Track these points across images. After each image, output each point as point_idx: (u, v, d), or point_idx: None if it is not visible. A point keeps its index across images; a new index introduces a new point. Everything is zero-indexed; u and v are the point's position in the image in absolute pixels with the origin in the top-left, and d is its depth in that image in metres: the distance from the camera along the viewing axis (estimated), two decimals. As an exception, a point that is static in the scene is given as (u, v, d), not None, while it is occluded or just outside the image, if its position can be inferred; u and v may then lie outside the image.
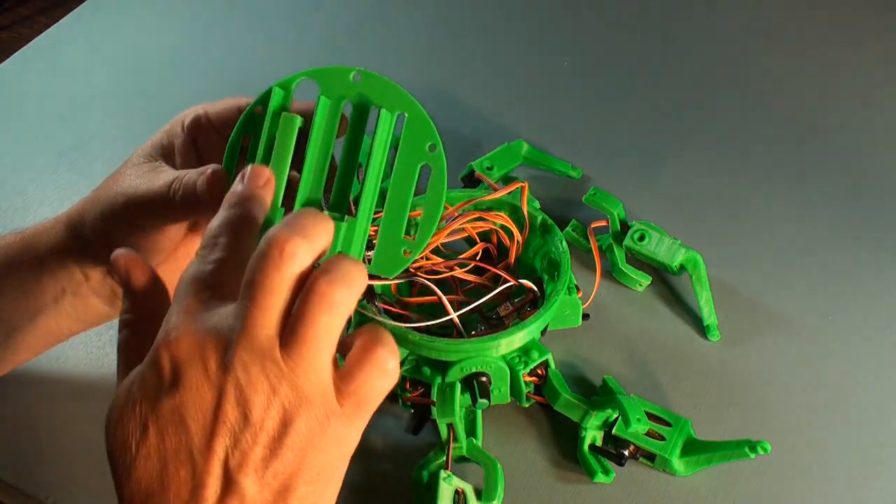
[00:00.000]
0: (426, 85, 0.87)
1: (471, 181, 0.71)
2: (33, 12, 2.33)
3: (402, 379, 0.58)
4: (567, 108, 0.85)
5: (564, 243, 0.62)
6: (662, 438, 0.56)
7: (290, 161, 0.45)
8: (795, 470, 0.58)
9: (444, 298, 0.59)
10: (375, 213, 0.46)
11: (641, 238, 0.66)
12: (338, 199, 0.47)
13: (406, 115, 0.45)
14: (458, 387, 0.57)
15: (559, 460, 0.58)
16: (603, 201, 0.68)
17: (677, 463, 0.56)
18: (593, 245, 0.68)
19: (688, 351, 0.64)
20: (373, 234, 0.46)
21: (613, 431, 0.56)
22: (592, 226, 0.68)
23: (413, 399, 0.59)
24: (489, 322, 0.60)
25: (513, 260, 0.64)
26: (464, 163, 0.72)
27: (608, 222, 0.68)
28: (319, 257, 0.39)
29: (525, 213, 0.64)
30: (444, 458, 0.56)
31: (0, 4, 2.35)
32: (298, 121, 0.45)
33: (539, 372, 0.59)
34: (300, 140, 0.46)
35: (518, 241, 0.64)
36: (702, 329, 0.65)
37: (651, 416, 0.57)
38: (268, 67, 0.91)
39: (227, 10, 1.00)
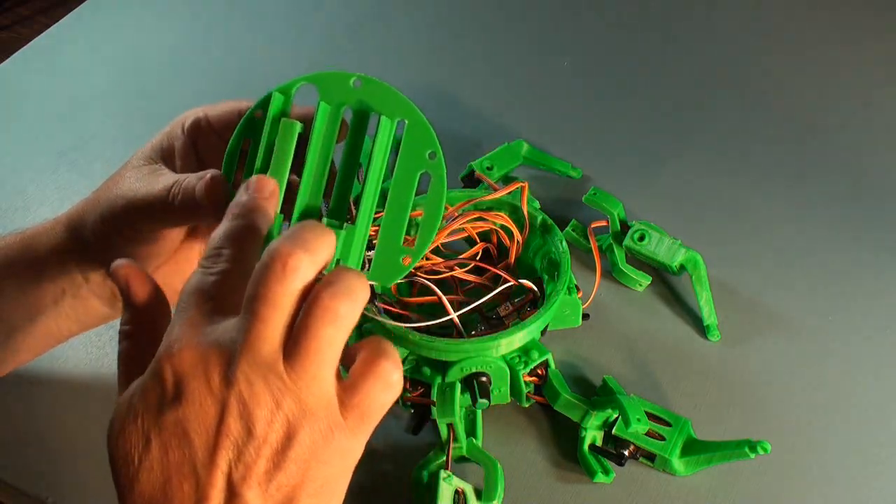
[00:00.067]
0: (426, 85, 0.87)
1: (471, 181, 0.71)
2: (33, 12, 2.33)
3: (402, 379, 0.58)
4: (567, 108, 0.85)
5: (564, 243, 0.62)
6: (662, 438, 0.56)
7: (289, 167, 0.45)
8: (795, 470, 0.58)
9: (444, 298, 0.59)
10: (375, 213, 0.46)
11: (641, 238, 0.66)
12: (337, 204, 0.47)
13: (406, 121, 0.45)
14: (458, 387, 0.57)
15: (559, 460, 0.58)
16: (603, 201, 0.68)
17: (677, 463, 0.56)
18: (593, 245, 0.68)
19: (688, 351, 0.64)
20: (372, 233, 0.46)
21: (613, 431, 0.57)
22: (592, 226, 0.68)
23: (413, 399, 0.59)
24: (489, 322, 0.60)
25: (513, 260, 0.64)
26: (464, 163, 0.72)
27: (608, 222, 0.68)
28: (322, 270, 0.39)
29: (525, 213, 0.64)
30: (444, 458, 0.56)
31: (0, 4, 2.35)
32: (298, 127, 0.45)
33: (539, 372, 0.59)
34: (300, 145, 0.46)
35: (518, 241, 0.64)
36: (702, 329, 0.65)
37: (651, 416, 0.57)
38: (268, 67, 0.91)
39: (227, 10, 1.00)
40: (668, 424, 0.57)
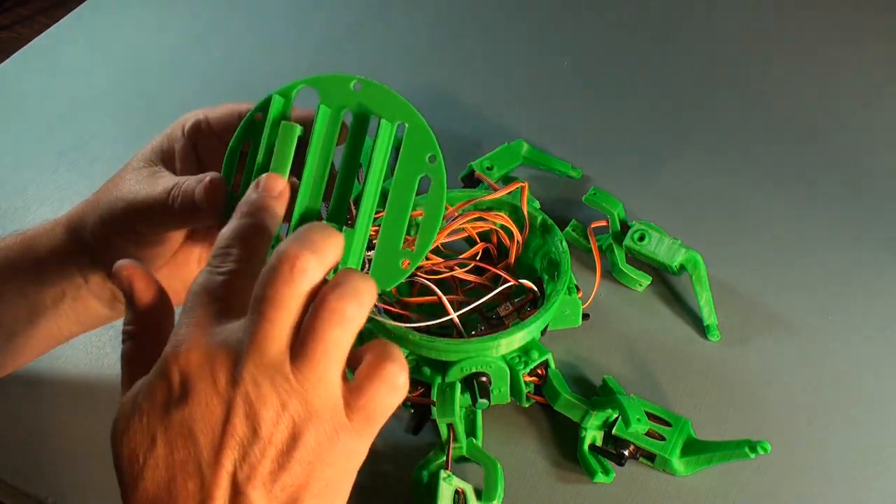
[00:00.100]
0: (426, 85, 0.87)
1: (471, 181, 0.71)
2: (33, 12, 2.33)
3: (408, 382, 0.58)
4: (567, 108, 0.85)
5: (564, 243, 0.62)
6: (662, 438, 0.56)
7: (289, 170, 0.45)
8: (795, 470, 0.58)
9: (444, 298, 0.59)
10: (376, 213, 0.46)
11: (641, 238, 0.66)
12: (337, 207, 0.46)
13: (406, 125, 0.45)
14: (458, 387, 0.57)
15: (559, 460, 0.58)
16: (603, 201, 0.68)
17: (677, 463, 0.56)
18: (593, 245, 0.68)
19: (688, 351, 0.64)
20: (372, 233, 0.46)
21: (613, 431, 0.57)
22: (592, 226, 0.68)
23: (413, 399, 0.59)
24: (489, 322, 0.60)
25: (513, 260, 0.64)
26: (464, 163, 0.72)
27: (608, 222, 0.68)
28: (330, 271, 0.39)
29: (525, 213, 0.64)
30: (444, 458, 0.56)
31: (0, 4, 2.35)
32: (298, 130, 0.45)
33: (539, 372, 0.59)
34: (300, 147, 0.46)
35: (518, 241, 0.64)
36: (702, 329, 0.65)
37: (651, 416, 0.57)
38: (268, 67, 0.91)
39: (227, 10, 1.00)
40: (668, 424, 0.57)
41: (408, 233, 0.46)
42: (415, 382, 0.58)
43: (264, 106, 0.47)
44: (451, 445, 0.56)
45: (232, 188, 0.48)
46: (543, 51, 0.92)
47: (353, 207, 0.46)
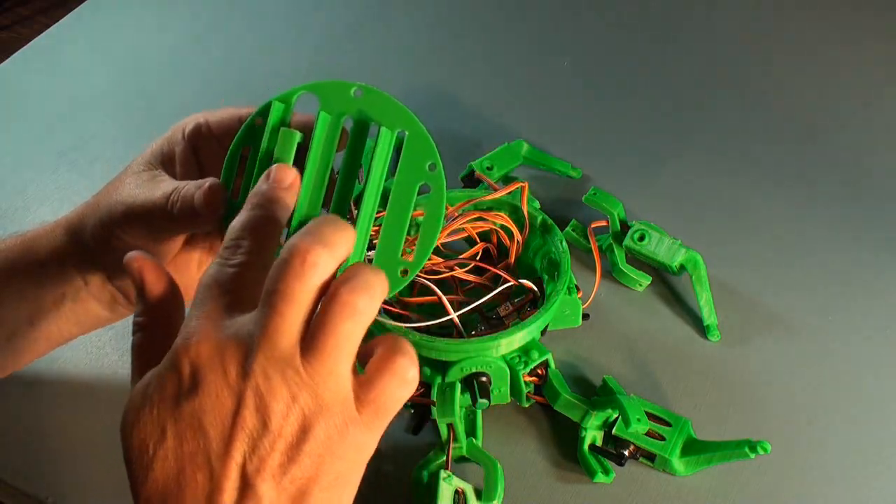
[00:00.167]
0: (426, 85, 0.87)
1: (471, 181, 0.71)
2: (33, 12, 2.33)
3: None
4: (567, 108, 0.85)
5: (564, 243, 0.62)
6: (662, 438, 0.56)
7: None
8: (795, 470, 0.58)
9: (444, 298, 0.59)
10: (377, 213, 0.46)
11: (641, 238, 0.66)
12: (337, 210, 0.46)
13: (406, 132, 0.45)
14: (458, 387, 0.57)
15: (559, 460, 0.58)
16: (603, 201, 0.68)
17: (677, 463, 0.56)
18: (593, 245, 0.68)
19: (688, 351, 0.64)
20: (373, 233, 0.46)
21: (613, 431, 0.57)
22: (592, 226, 0.68)
23: (413, 399, 0.59)
24: (489, 322, 0.60)
25: (513, 260, 0.64)
26: (464, 163, 0.72)
27: (608, 222, 0.68)
28: (341, 265, 0.39)
29: (525, 213, 0.64)
30: (444, 458, 0.56)
31: (0, 4, 2.35)
32: (297, 136, 0.45)
33: (539, 372, 0.59)
34: (300, 153, 0.45)
35: (518, 241, 0.64)
36: (702, 329, 0.65)
37: (651, 416, 0.57)
38: (268, 67, 0.91)
39: (227, 10, 1.00)
40: (668, 424, 0.57)
41: (408, 233, 0.46)
42: (415, 382, 0.58)
43: (264, 111, 0.47)
44: (451, 445, 0.56)
45: (231, 193, 0.48)
46: (543, 51, 0.92)
47: (353, 209, 0.46)
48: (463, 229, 0.64)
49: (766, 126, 0.82)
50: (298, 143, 0.45)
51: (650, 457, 0.57)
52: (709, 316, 0.65)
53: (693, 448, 0.56)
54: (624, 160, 0.79)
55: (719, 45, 0.91)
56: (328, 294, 0.37)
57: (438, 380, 0.57)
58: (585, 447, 0.57)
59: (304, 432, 0.36)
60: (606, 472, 0.57)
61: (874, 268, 0.70)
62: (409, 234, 0.46)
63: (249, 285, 0.38)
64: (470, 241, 0.65)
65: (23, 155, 0.83)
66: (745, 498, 0.56)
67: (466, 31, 0.96)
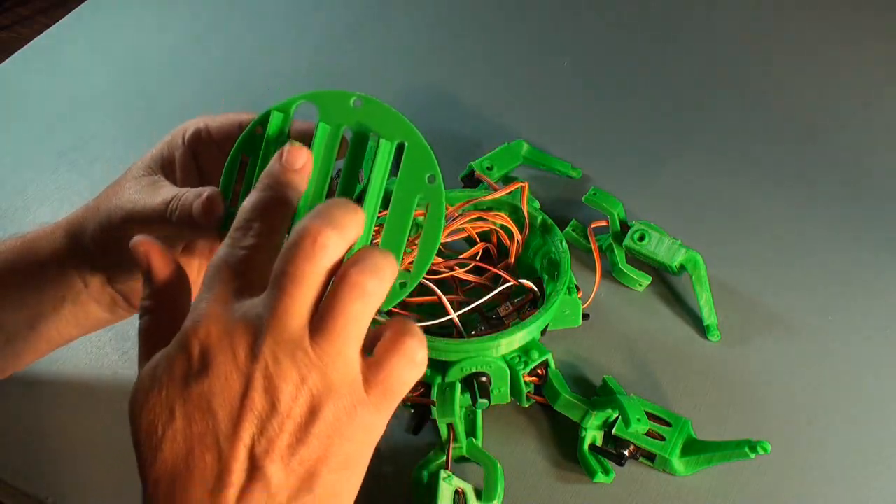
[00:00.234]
0: (426, 85, 0.87)
1: (471, 181, 0.71)
2: (33, 12, 2.33)
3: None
4: (567, 108, 0.85)
5: (564, 243, 0.62)
6: (662, 438, 0.56)
7: None
8: (795, 470, 0.58)
9: (444, 298, 0.59)
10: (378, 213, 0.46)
11: (641, 238, 0.66)
12: None
13: (406, 143, 0.45)
14: (458, 387, 0.57)
15: (559, 460, 0.58)
16: (603, 201, 0.68)
17: (677, 463, 0.56)
18: (593, 245, 0.68)
19: (688, 351, 0.64)
20: (375, 233, 0.46)
21: (613, 431, 0.57)
22: (592, 226, 0.68)
23: (413, 399, 0.59)
24: (489, 322, 0.60)
25: (513, 260, 0.64)
26: (464, 163, 0.72)
27: (608, 222, 0.68)
28: (350, 248, 0.39)
29: (525, 213, 0.64)
30: (444, 458, 0.56)
31: (0, 4, 2.35)
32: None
33: (539, 372, 0.59)
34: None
35: (518, 241, 0.64)
36: (702, 329, 0.65)
37: (651, 416, 0.57)
38: (268, 67, 0.91)
39: (227, 10, 1.00)
40: (668, 424, 0.57)
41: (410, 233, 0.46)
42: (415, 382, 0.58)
43: (264, 120, 0.47)
44: (451, 445, 0.56)
45: (231, 201, 0.48)
46: (543, 51, 0.92)
47: None
48: (463, 229, 0.64)
49: (766, 126, 0.82)
50: None
51: (650, 457, 0.57)
52: (709, 316, 0.65)
53: (693, 448, 0.56)
54: (624, 160, 0.79)
55: (719, 45, 0.91)
56: (337, 275, 0.37)
57: (438, 380, 0.57)
58: (585, 447, 0.57)
59: (312, 414, 0.36)
60: (606, 472, 0.57)
61: (874, 268, 0.70)
62: (409, 233, 0.46)
63: (259, 267, 0.38)
64: (470, 241, 0.65)
65: (23, 155, 0.83)
66: (745, 498, 0.56)
67: (466, 31, 0.96)
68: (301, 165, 0.43)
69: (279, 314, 0.36)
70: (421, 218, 0.47)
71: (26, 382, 0.63)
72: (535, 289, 0.61)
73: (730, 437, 0.56)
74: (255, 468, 0.35)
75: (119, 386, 0.63)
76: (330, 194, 0.46)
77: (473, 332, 0.59)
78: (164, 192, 0.50)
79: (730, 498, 0.56)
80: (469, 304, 0.59)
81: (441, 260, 0.63)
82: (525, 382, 0.58)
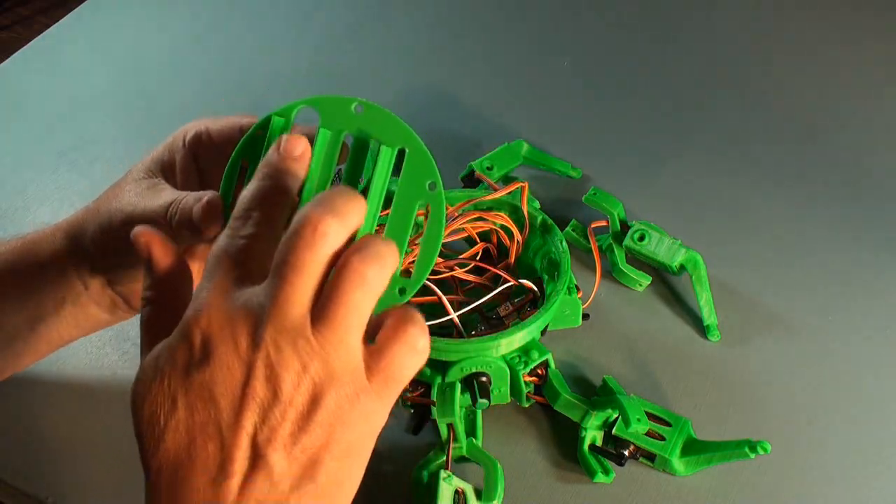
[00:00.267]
0: (426, 85, 0.87)
1: (471, 181, 0.71)
2: (33, 12, 2.34)
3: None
4: (567, 108, 0.85)
5: (564, 243, 0.62)
6: (662, 438, 0.56)
7: None
8: (795, 470, 0.58)
9: (444, 298, 0.59)
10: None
11: (641, 238, 0.66)
12: None
13: (407, 150, 0.45)
14: (458, 387, 0.57)
15: (559, 460, 0.58)
16: (603, 201, 0.68)
17: (677, 463, 0.56)
18: (593, 245, 0.68)
19: (688, 351, 0.64)
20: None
21: (613, 431, 0.56)
22: (592, 226, 0.68)
23: (413, 399, 0.59)
24: (489, 322, 0.60)
25: (513, 260, 0.64)
26: (464, 163, 0.72)
27: (608, 222, 0.68)
28: (352, 235, 0.39)
29: (525, 213, 0.64)
30: (444, 458, 0.56)
31: (0, 4, 2.36)
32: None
33: (539, 372, 0.59)
34: None
35: (518, 241, 0.64)
36: (702, 329, 0.65)
37: (651, 416, 0.57)
38: (268, 67, 0.91)
39: (227, 10, 1.00)
40: (668, 424, 0.57)
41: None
42: (415, 382, 0.58)
43: (264, 125, 0.47)
44: (451, 445, 0.56)
45: (231, 206, 0.48)
46: (543, 51, 0.92)
47: None
48: (463, 229, 0.64)
49: (766, 126, 0.82)
50: None
51: (650, 457, 0.57)
52: (709, 316, 0.65)
53: (693, 448, 0.56)
54: (624, 160, 0.79)
55: (719, 45, 0.91)
56: (339, 263, 0.37)
57: (438, 380, 0.57)
58: (585, 447, 0.57)
59: (314, 402, 0.36)
60: (606, 472, 0.57)
61: (874, 268, 0.70)
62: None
63: (259, 256, 0.38)
64: (470, 241, 0.65)
65: (23, 155, 0.83)
66: (745, 498, 0.56)
67: (466, 31, 0.96)
68: (300, 153, 0.43)
69: (280, 302, 0.36)
70: (420, 218, 0.47)
71: (26, 382, 0.63)
72: (535, 289, 0.61)
73: (730, 437, 0.56)
74: (257, 457, 0.35)
75: (119, 386, 0.63)
76: None
77: (473, 332, 0.59)
78: (165, 196, 0.50)
79: (730, 498, 0.56)
80: (469, 304, 0.59)
81: (441, 260, 0.63)
82: (525, 382, 0.58)
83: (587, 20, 0.96)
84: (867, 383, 0.62)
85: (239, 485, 0.35)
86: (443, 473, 0.54)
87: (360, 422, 0.37)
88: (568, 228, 0.70)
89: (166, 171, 0.54)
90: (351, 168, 0.46)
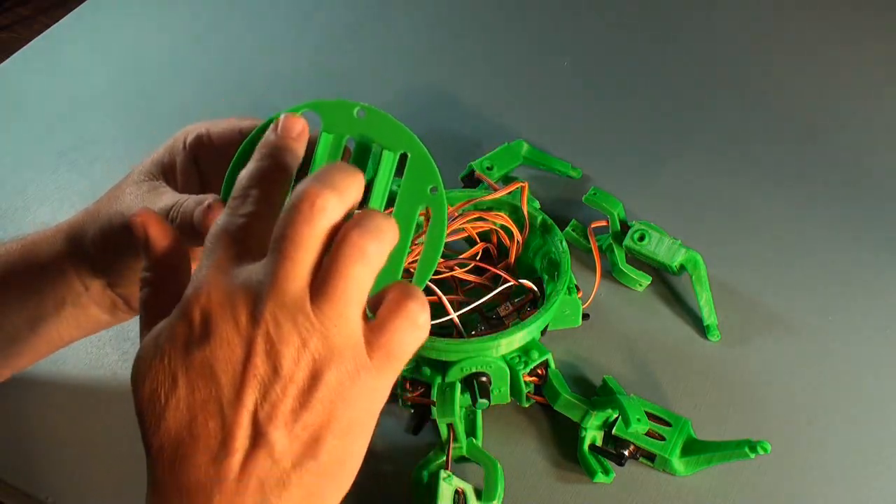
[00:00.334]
0: (426, 85, 0.87)
1: (471, 181, 0.71)
2: (33, 12, 2.33)
3: (402, 379, 0.58)
4: (567, 108, 0.85)
5: (564, 243, 0.62)
6: (662, 438, 0.56)
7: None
8: (795, 470, 0.58)
9: (444, 298, 0.59)
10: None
11: (641, 238, 0.66)
12: None
13: (409, 155, 0.45)
14: (458, 387, 0.57)
15: (559, 460, 0.58)
16: (603, 201, 0.68)
17: (677, 463, 0.56)
18: (593, 245, 0.68)
19: (688, 351, 0.64)
20: None
21: (613, 431, 0.57)
22: (592, 226, 0.68)
23: (413, 399, 0.59)
24: (489, 322, 0.60)
25: (513, 260, 0.64)
26: (464, 163, 0.72)
27: (608, 222, 0.68)
28: (350, 211, 0.39)
29: (525, 213, 0.64)
30: (444, 458, 0.56)
31: (0, 4, 2.35)
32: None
33: (539, 372, 0.59)
34: (301, 170, 0.45)
35: (518, 241, 0.64)
36: (702, 329, 0.65)
37: (651, 416, 0.57)
38: (268, 67, 0.91)
39: (227, 10, 1.00)
40: (668, 424, 0.57)
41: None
42: (415, 382, 0.58)
43: (266, 129, 0.47)
44: (451, 445, 0.56)
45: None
46: (543, 51, 0.92)
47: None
48: (463, 229, 0.64)
49: (766, 126, 0.82)
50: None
51: (650, 457, 0.57)
52: (709, 316, 0.65)
53: (693, 448, 0.56)
54: (624, 160, 0.79)
55: (719, 45, 0.91)
56: (338, 238, 0.37)
57: (438, 380, 0.57)
58: (585, 447, 0.57)
59: (315, 378, 0.36)
60: (606, 472, 0.57)
61: (874, 268, 0.70)
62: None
63: (258, 234, 0.38)
64: (470, 241, 0.65)
65: (23, 155, 0.83)
66: (745, 498, 0.56)
67: (466, 31, 0.96)
68: (298, 132, 0.43)
69: (279, 278, 0.36)
70: (421, 218, 0.47)
71: (26, 383, 0.63)
72: (535, 289, 0.61)
73: (730, 437, 0.56)
74: (258, 434, 0.35)
75: (119, 386, 0.63)
76: None
77: (473, 332, 0.59)
78: (165, 199, 0.50)
79: (730, 498, 0.56)
80: (469, 304, 0.59)
81: (441, 260, 0.63)
82: (525, 382, 0.58)
83: (587, 20, 0.96)
84: (867, 383, 0.62)
85: (240, 462, 0.35)
86: (443, 473, 0.54)
87: (360, 398, 0.37)
88: (568, 228, 0.70)
89: (167, 173, 0.54)
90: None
